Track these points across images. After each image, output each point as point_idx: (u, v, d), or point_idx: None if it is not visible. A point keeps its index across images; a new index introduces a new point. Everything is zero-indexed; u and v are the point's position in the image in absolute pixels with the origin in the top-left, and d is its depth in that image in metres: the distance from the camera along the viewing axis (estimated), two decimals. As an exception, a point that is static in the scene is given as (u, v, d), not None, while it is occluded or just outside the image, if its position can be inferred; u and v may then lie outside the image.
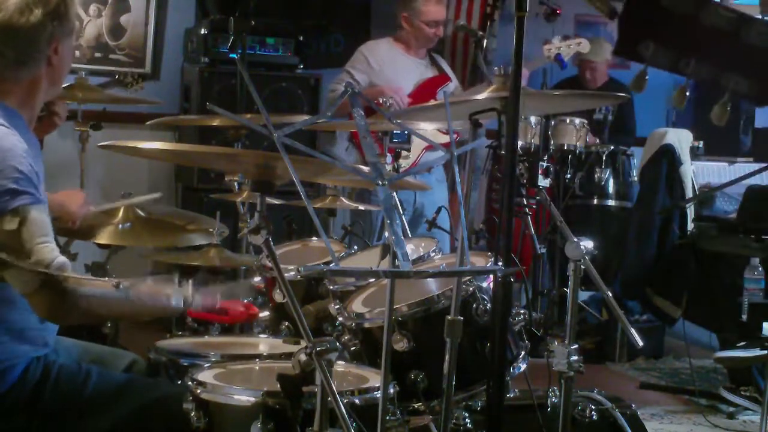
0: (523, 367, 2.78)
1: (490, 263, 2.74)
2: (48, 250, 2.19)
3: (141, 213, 3.24)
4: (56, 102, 3.46)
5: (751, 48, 1.12)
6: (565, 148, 5.47)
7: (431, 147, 5.01)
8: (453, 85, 5.57)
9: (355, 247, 3.53)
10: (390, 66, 5.41)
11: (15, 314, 2.32)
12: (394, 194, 2.66)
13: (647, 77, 1.23)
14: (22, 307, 2.31)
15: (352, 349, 2.71)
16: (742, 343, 4.63)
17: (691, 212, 5.75)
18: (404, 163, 4.38)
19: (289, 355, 2.14)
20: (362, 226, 5.17)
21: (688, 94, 1.20)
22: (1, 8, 2.28)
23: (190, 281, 2.52)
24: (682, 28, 1.13)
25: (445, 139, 4.54)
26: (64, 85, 3.96)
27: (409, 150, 4.41)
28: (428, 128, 3.79)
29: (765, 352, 4.29)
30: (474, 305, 2.67)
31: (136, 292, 2.36)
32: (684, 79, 1.20)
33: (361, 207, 4.18)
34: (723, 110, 1.21)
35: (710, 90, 1.32)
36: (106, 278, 2.35)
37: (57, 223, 2.43)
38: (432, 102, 5.24)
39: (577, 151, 5.52)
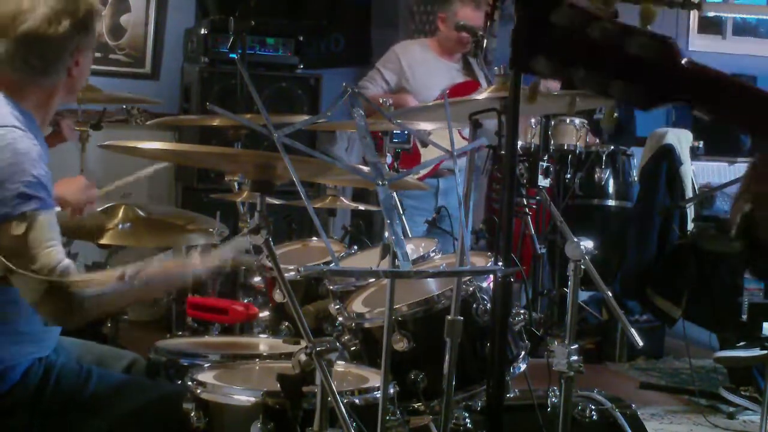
0: (523, 367, 2.78)
1: (490, 263, 2.74)
2: (54, 253, 2.19)
3: (141, 213, 3.24)
4: (63, 120, 3.47)
5: (634, 58, 1.20)
6: (565, 148, 5.46)
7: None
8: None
9: (355, 247, 3.53)
10: (421, 68, 5.35)
11: (20, 317, 2.33)
12: (394, 194, 2.66)
13: (539, 89, 1.31)
14: (27, 309, 2.31)
15: (352, 349, 2.71)
16: (742, 343, 4.63)
17: (691, 212, 5.75)
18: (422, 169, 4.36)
19: (289, 355, 2.14)
20: (362, 226, 5.17)
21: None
22: (30, 17, 2.29)
23: (198, 249, 2.51)
24: (571, 41, 1.21)
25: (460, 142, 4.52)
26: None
27: (409, 150, 4.41)
28: (433, 128, 3.77)
29: (765, 352, 4.30)
30: (474, 305, 2.67)
31: (142, 277, 2.33)
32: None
33: (362, 207, 4.18)
34: (610, 116, 1.29)
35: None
36: (110, 271, 2.32)
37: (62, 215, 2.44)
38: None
39: (577, 151, 5.51)
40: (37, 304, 2.22)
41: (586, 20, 1.20)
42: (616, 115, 1.27)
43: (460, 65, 5.48)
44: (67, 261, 2.22)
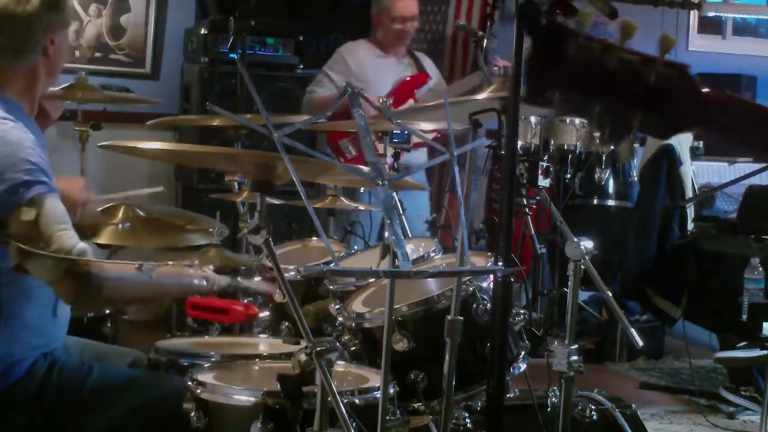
0: (523, 367, 2.78)
1: (490, 263, 2.74)
2: (68, 236, 2.21)
3: (141, 213, 3.24)
4: (46, 102, 3.45)
5: (654, 87, 1.18)
6: (565, 148, 5.46)
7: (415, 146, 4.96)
8: (432, 82, 5.55)
9: (356, 247, 3.53)
10: (368, 67, 5.41)
11: (30, 309, 2.34)
12: (394, 194, 2.66)
13: (635, 144, 1.29)
14: (37, 301, 2.33)
15: (352, 349, 2.71)
16: (742, 343, 4.63)
17: (691, 212, 5.75)
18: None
19: (289, 355, 2.14)
20: (361, 225, 5.16)
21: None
22: None
23: (210, 265, 2.55)
24: (588, 73, 1.19)
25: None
26: (63, 85, 3.97)
27: (408, 150, 4.41)
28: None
29: (765, 352, 4.29)
30: (474, 305, 2.67)
31: (158, 273, 2.37)
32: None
33: (362, 207, 4.18)
34: (630, 147, 1.28)
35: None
36: (128, 261, 2.36)
37: None
38: (411, 102, 5.27)
39: (577, 151, 5.52)
40: (55, 284, 2.23)
41: (603, 52, 1.18)
42: (636, 145, 1.26)
43: (407, 60, 5.53)
44: (82, 244, 2.23)
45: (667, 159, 5.69)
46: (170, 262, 2.50)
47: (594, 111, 1.20)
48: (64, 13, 2.42)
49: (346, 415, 1.98)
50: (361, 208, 4.20)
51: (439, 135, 4.67)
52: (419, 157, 5.21)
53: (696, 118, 1.20)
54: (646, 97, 1.19)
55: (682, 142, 5.72)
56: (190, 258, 2.58)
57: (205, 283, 2.52)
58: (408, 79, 5.48)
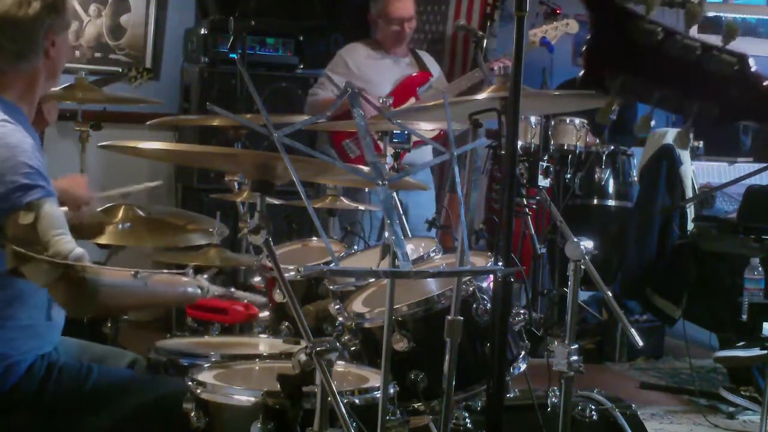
0: (523, 367, 2.78)
1: (490, 263, 2.74)
2: (65, 241, 2.21)
3: (141, 213, 3.24)
4: (45, 102, 3.46)
5: (713, 76, 1.16)
6: (565, 148, 5.46)
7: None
8: (434, 79, 5.55)
9: (356, 247, 3.53)
10: (368, 67, 5.41)
11: (24, 311, 2.34)
12: (394, 194, 2.66)
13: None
14: (31, 303, 2.32)
15: (352, 349, 2.71)
16: (742, 343, 4.63)
17: (691, 212, 5.75)
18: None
19: (289, 355, 2.14)
20: (361, 225, 5.16)
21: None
22: (0, 1, 2.30)
23: (205, 274, 2.56)
24: (648, 59, 1.17)
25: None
26: (63, 85, 3.97)
27: (409, 150, 4.40)
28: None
29: (765, 352, 4.29)
30: (474, 305, 2.67)
31: (153, 281, 2.38)
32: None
33: (361, 207, 4.18)
34: (686, 135, 1.25)
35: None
36: (124, 268, 2.37)
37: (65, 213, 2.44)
38: (413, 100, 5.27)
39: (577, 151, 5.52)
40: (51, 288, 2.24)
41: (666, 37, 1.16)
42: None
43: (408, 59, 5.53)
44: (79, 249, 2.23)
45: (667, 159, 5.69)
46: (165, 271, 2.50)
47: (653, 98, 1.18)
48: (65, 14, 2.42)
49: (346, 415, 1.98)
50: (361, 208, 4.20)
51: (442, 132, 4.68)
52: (423, 155, 5.19)
53: (754, 109, 1.18)
54: (705, 85, 1.17)
55: (682, 142, 5.71)
56: (186, 266, 2.59)
57: (199, 291, 2.52)
58: (409, 78, 5.48)
